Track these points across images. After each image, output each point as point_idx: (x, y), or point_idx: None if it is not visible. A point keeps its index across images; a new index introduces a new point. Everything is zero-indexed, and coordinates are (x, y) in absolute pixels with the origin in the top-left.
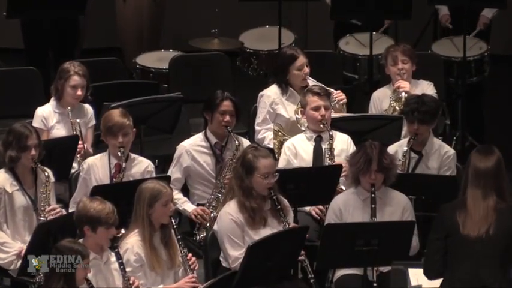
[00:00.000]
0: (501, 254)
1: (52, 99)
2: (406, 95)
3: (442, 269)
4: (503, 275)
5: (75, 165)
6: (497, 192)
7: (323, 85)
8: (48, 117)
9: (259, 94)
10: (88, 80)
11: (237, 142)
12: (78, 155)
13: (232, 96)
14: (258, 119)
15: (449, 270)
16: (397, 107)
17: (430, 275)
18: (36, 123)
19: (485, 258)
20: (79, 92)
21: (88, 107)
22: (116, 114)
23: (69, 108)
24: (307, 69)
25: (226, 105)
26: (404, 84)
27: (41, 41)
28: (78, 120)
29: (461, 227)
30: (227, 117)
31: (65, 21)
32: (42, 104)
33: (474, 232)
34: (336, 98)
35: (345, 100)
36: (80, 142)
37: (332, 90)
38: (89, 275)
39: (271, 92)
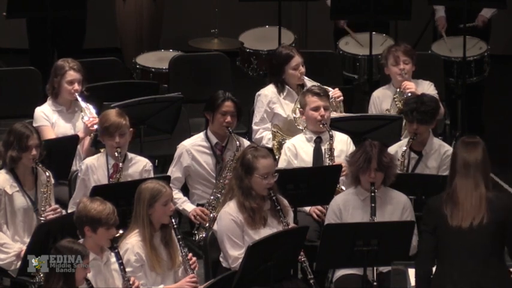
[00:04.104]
0: (491, 242)
1: (48, 98)
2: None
3: (431, 266)
4: (497, 263)
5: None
6: (485, 182)
7: (319, 84)
8: (48, 114)
9: (257, 94)
10: (83, 74)
11: (237, 143)
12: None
13: (233, 96)
14: (256, 119)
15: (440, 263)
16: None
17: (419, 269)
18: (39, 122)
19: (478, 247)
20: (76, 87)
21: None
22: (112, 115)
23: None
24: (302, 69)
25: (228, 105)
26: (411, 85)
27: (46, 41)
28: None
29: (449, 218)
30: (228, 118)
31: (72, 21)
32: (42, 104)
33: (466, 223)
34: (332, 95)
35: (341, 98)
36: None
37: (329, 88)
38: (89, 276)
39: (269, 91)
